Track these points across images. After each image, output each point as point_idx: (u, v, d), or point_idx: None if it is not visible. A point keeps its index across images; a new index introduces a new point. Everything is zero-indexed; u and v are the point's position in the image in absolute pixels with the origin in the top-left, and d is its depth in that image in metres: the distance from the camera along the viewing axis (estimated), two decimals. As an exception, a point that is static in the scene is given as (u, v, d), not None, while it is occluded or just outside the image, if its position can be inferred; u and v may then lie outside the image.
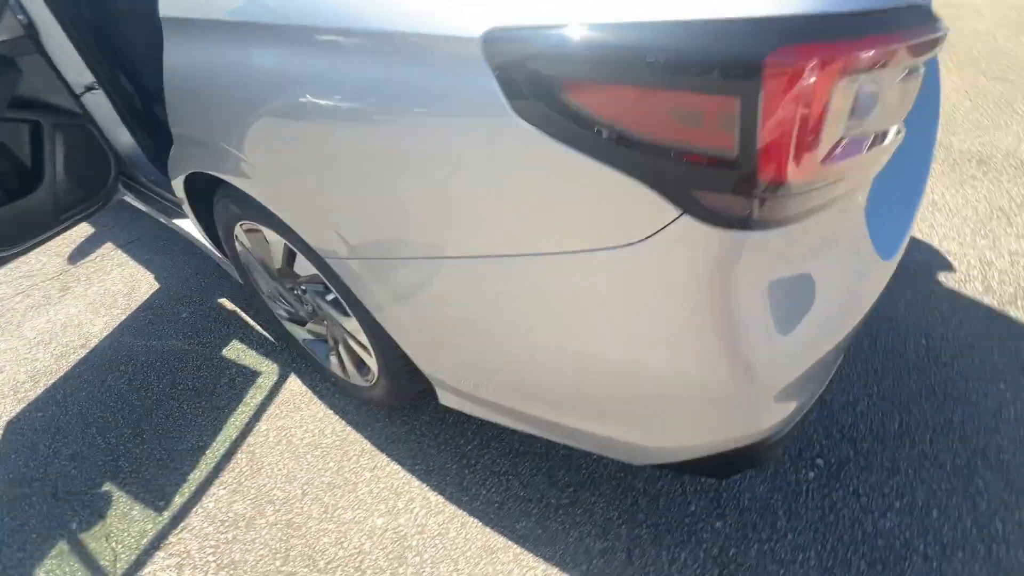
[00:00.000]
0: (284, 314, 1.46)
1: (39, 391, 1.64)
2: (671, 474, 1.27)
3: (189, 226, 1.69)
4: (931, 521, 1.16)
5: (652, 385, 0.72)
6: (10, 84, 1.35)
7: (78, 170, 1.59)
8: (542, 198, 0.64)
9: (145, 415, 1.54)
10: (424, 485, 1.30)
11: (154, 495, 1.35)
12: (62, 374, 1.69)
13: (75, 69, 1.68)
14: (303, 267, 1.13)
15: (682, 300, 0.60)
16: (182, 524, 1.28)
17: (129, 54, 1.75)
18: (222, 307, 1.86)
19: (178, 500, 1.33)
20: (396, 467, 1.35)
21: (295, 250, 1.09)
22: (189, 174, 1.15)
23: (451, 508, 1.26)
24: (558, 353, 0.79)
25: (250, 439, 1.45)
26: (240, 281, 1.59)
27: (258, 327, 1.77)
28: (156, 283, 2.00)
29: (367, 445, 1.40)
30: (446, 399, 1.12)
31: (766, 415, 0.73)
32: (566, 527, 1.20)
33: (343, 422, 1.46)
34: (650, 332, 0.66)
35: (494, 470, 1.32)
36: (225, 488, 1.34)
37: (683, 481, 1.26)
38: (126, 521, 1.30)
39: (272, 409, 1.52)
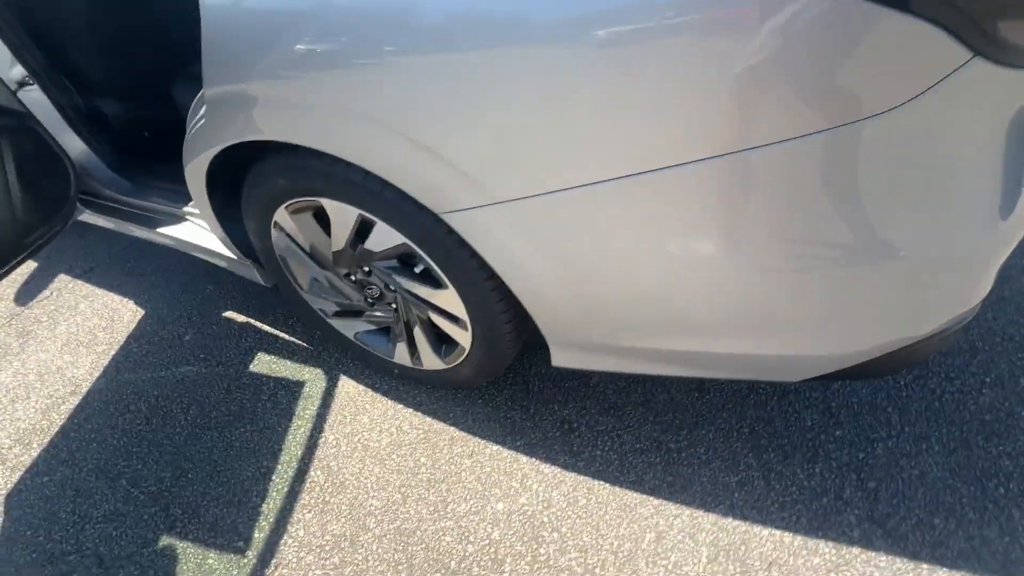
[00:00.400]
0: (333, 308, 1.29)
1: (34, 453, 1.37)
2: (777, 395, 1.26)
3: (186, 230, 1.45)
4: (1022, 388, 1.23)
5: (869, 276, 0.67)
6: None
7: (34, 182, 1.31)
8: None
9: (182, 452, 1.32)
10: (533, 459, 1.21)
11: (228, 536, 1.16)
12: (58, 429, 1.42)
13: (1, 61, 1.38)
14: (380, 241, 0.98)
15: (954, 162, 0.54)
16: (274, 560, 1.12)
17: (64, 40, 1.45)
18: (231, 321, 1.64)
19: (259, 536, 1.16)
20: (496, 447, 1.24)
21: (375, 220, 0.94)
22: (219, 152, 0.96)
23: (571, 476, 1.18)
24: (739, 267, 0.72)
25: (319, 453, 1.28)
26: (263, 283, 1.39)
27: (283, 334, 1.57)
28: (139, 309, 1.73)
29: (455, 432, 1.28)
30: (564, 359, 1.02)
31: (977, 292, 0.70)
32: (695, 468, 1.16)
33: (419, 414, 1.33)
34: (903, 206, 0.60)
35: (599, 429, 1.25)
36: (311, 511, 1.18)
37: (790, 400, 1.25)
38: (204, 573, 1.12)
39: (332, 417, 1.35)
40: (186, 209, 1.46)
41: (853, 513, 1.06)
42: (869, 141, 0.55)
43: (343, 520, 1.16)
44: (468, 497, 1.17)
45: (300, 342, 1.55)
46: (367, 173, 0.87)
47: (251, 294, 1.71)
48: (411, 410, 1.34)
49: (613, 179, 0.68)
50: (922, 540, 1.02)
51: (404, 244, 0.95)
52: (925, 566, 0.99)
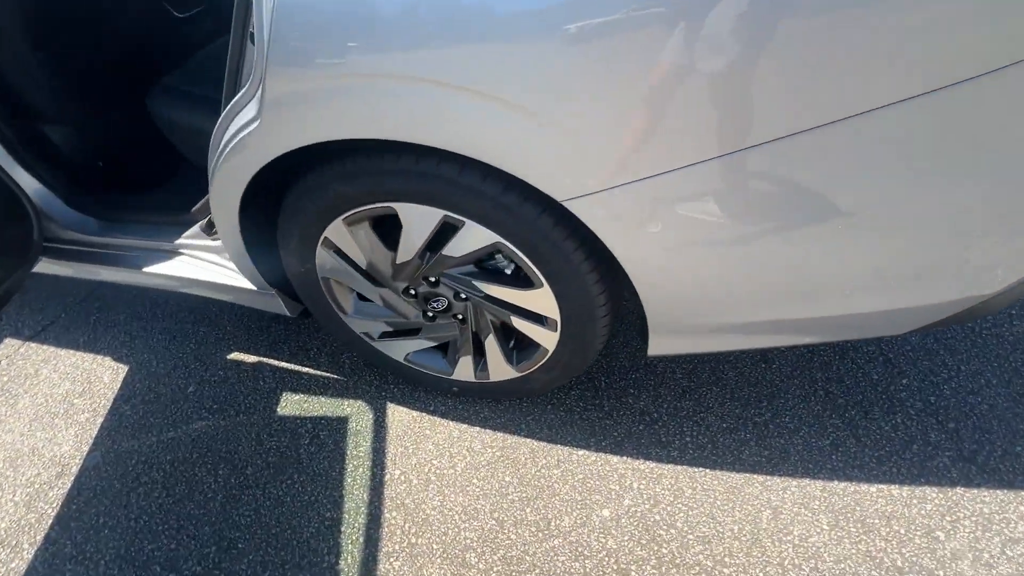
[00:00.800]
0: (382, 329, 1.17)
1: (28, 556, 1.13)
2: (838, 355, 1.28)
3: (180, 265, 1.26)
4: (1045, 315, 1.33)
5: (964, 235, 0.68)
6: None
7: None
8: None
9: (223, 520, 1.14)
10: (624, 457, 1.15)
11: (308, 606, 1.01)
12: (52, 520, 1.18)
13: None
14: (464, 244, 0.88)
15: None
16: (372, 621, 0.98)
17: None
18: (240, 363, 1.45)
19: (345, 597, 1.02)
20: (582, 452, 1.17)
21: (462, 221, 0.84)
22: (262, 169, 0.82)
23: (668, 468, 1.13)
24: (865, 229, 0.71)
25: (388, 492, 1.15)
26: (288, 313, 1.23)
27: (307, 368, 1.41)
28: (121, 366, 1.49)
29: (533, 443, 1.20)
30: (663, 346, 0.97)
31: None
32: (786, 438, 1.15)
33: (488, 431, 1.23)
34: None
35: (681, 415, 1.21)
36: (398, 558, 1.05)
37: (851, 358, 1.28)
38: (289, 653, 0.96)
39: (391, 450, 1.22)
40: (179, 242, 1.28)
41: (945, 455, 1.10)
42: (967, 106, 0.56)
43: (439, 561, 1.04)
44: (569, 509, 1.09)
45: (329, 374, 1.39)
46: (463, 167, 0.78)
47: (255, 330, 1.53)
48: (478, 428, 1.24)
49: (750, 147, 0.64)
50: (1013, 469, 1.06)
51: (495, 244, 0.87)
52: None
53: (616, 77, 0.63)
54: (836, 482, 1.08)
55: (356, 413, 1.30)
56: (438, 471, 1.17)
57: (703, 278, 0.80)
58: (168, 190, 1.49)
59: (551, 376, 1.11)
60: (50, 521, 1.18)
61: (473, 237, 0.87)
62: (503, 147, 0.70)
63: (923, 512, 1.02)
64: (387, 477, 1.17)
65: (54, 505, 1.20)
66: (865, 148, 0.64)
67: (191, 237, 1.26)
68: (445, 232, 0.89)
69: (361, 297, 1.17)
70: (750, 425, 1.18)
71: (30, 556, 1.13)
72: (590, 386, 1.29)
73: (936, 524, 1.01)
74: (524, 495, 1.12)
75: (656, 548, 1.02)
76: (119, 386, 1.44)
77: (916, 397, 1.19)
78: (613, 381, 1.30)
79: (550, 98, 0.65)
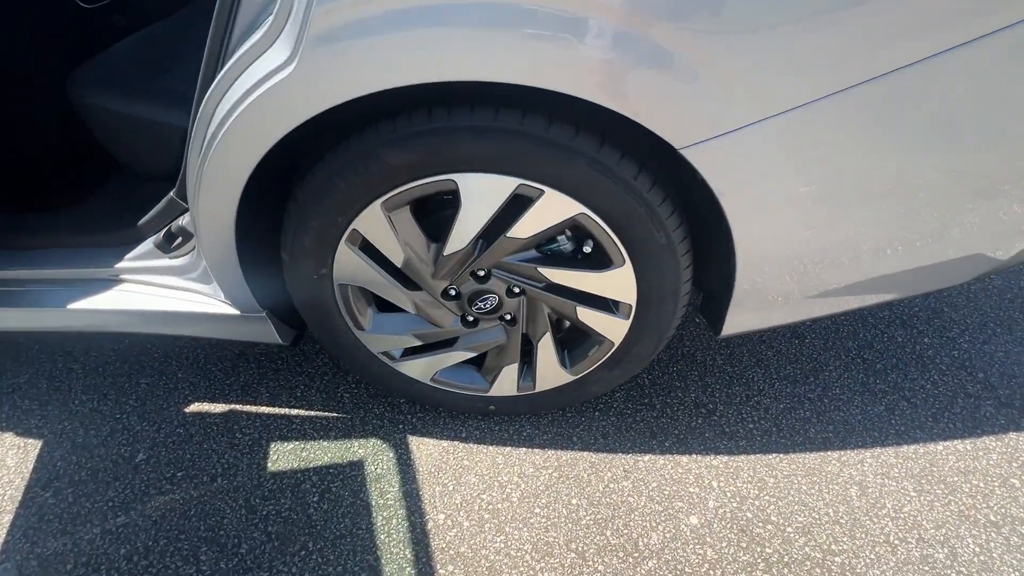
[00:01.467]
0: (409, 343, 0.97)
1: None
2: (860, 322, 1.29)
3: (125, 297, 0.99)
4: None
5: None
6: None
7: None
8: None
9: (219, 622, 0.85)
10: (694, 456, 1.05)
11: None
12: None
13: None
14: (537, 221, 0.75)
15: None
16: None
17: None
18: (206, 416, 1.15)
19: None
20: (648, 457, 1.05)
21: (540, 191, 0.70)
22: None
23: (743, 459, 1.04)
24: (957, 174, 0.69)
25: (435, 543, 0.94)
26: (280, 340, 1.00)
27: (295, 410, 1.15)
28: (29, 441, 1.13)
29: (592, 456, 1.05)
30: (739, 323, 0.89)
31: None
32: (844, 410, 1.11)
33: (536, 450, 1.07)
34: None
35: (736, 402, 1.14)
36: (469, 621, 0.84)
37: (871, 323, 1.29)
38: None
39: (427, 491, 1.01)
40: (121, 266, 1.00)
41: (988, 405, 1.12)
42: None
43: (520, 615, 0.85)
44: (654, 524, 0.95)
45: (328, 413, 1.15)
46: (552, 120, 0.65)
47: (217, 373, 1.24)
48: (525, 449, 1.07)
49: (891, 71, 0.59)
50: (1050, 408, 1.11)
51: (576, 217, 0.74)
52: (1066, 429, 1.07)
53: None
54: (905, 446, 1.05)
55: (372, 454, 1.07)
56: (491, 507, 0.98)
57: (819, 235, 0.73)
58: (87, 209, 1.18)
59: (613, 374, 0.99)
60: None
61: (550, 211, 0.73)
62: (621, 85, 0.59)
63: (991, 462, 1.02)
64: (430, 525, 0.96)
65: (-52, 651, 0.84)
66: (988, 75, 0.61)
67: (138, 259, 0.99)
68: (513, 208, 0.74)
69: (381, 308, 0.97)
70: (806, 402, 1.14)
71: None
72: (634, 386, 1.18)
73: (1008, 472, 1.00)
74: (599, 516, 0.96)
75: (759, 550, 0.91)
76: (31, 469, 1.08)
77: (941, 353, 1.22)
78: (656, 377, 1.20)
79: (680, 28, 0.55)
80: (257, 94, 0.61)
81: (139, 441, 1.12)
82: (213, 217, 0.76)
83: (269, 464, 1.07)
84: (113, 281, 1.03)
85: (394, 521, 0.97)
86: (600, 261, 0.81)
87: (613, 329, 0.90)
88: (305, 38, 0.56)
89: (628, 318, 0.88)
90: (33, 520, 1.00)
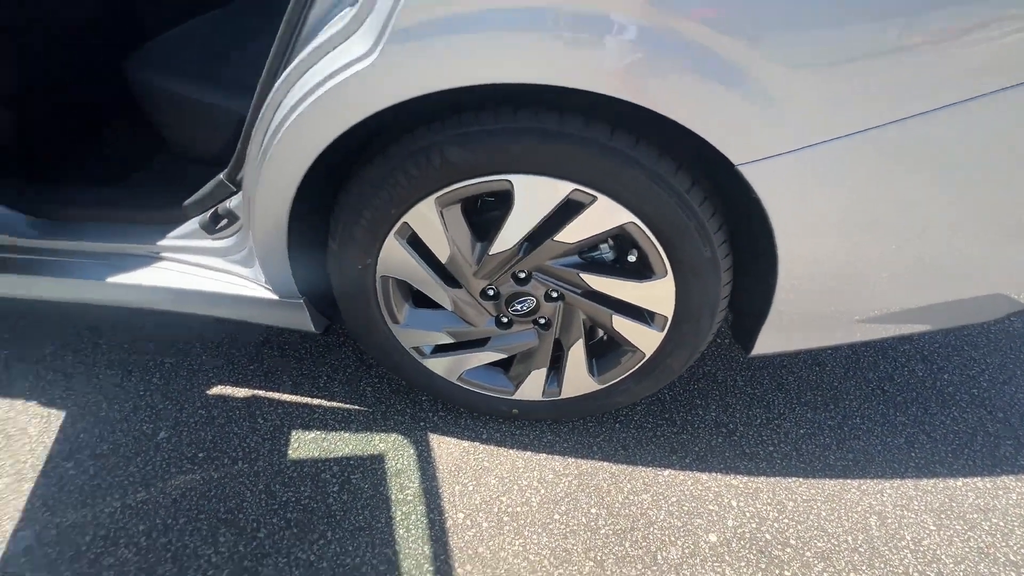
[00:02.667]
0: (440, 340, 0.98)
1: None
2: (880, 354, 1.30)
3: (161, 274, 1.01)
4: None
5: None
6: None
7: None
8: None
9: (235, 605, 0.85)
10: (714, 474, 1.05)
11: None
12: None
13: None
14: (586, 226, 0.76)
15: None
16: None
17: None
18: (228, 399, 1.16)
19: None
20: (668, 472, 1.05)
21: (593, 197, 0.72)
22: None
23: (762, 481, 1.04)
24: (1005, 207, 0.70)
25: (455, 542, 0.94)
26: (314, 328, 1.01)
27: (316, 399, 1.16)
28: (53, 412, 1.13)
29: (613, 467, 1.05)
30: (773, 343, 0.90)
31: None
32: (864, 440, 1.12)
33: (557, 457, 1.07)
34: None
35: (757, 424, 1.14)
36: (486, 622, 0.84)
37: (891, 356, 1.30)
38: None
39: (446, 489, 1.01)
40: (163, 243, 1.02)
41: (1007, 444, 1.12)
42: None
43: (537, 619, 0.85)
44: (673, 538, 0.95)
45: (349, 405, 1.16)
46: (615, 127, 0.67)
47: (240, 358, 1.25)
48: (545, 455, 1.07)
49: (961, 101, 0.61)
50: (1069, 452, 1.11)
51: (624, 226, 0.75)
52: (1084, 474, 1.08)
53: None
54: (925, 479, 1.05)
55: (393, 449, 1.08)
56: (510, 509, 0.99)
57: (863, 260, 0.75)
58: (131, 185, 1.20)
59: (641, 386, 0.99)
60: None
61: (600, 217, 0.75)
62: (689, 98, 0.61)
63: (1011, 502, 1.02)
64: (449, 523, 0.96)
65: (-36, 613, 0.84)
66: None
67: (182, 237, 1.01)
68: (564, 212, 0.76)
69: (417, 303, 0.98)
70: (826, 429, 1.14)
71: None
72: (655, 401, 1.19)
73: (1027, 513, 1.01)
74: (618, 527, 0.96)
75: (778, 572, 0.91)
76: (53, 439, 1.09)
77: (962, 390, 1.23)
78: (677, 393, 1.20)
79: (755, 48, 0.58)
80: (334, 83, 0.63)
81: (161, 419, 1.13)
82: (270, 202, 0.78)
83: (290, 451, 1.07)
84: (153, 258, 1.04)
85: (413, 517, 0.97)
86: (642, 271, 0.83)
87: (646, 340, 0.91)
88: (389, 32, 0.58)
89: (663, 330, 0.89)
90: (53, 490, 1.00)
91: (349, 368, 1.24)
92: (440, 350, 1.02)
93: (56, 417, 1.13)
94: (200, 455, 1.06)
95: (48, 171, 1.17)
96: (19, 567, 0.89)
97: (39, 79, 1.15)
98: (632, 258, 0.82)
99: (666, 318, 0.87)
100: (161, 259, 1.04)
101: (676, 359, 0.93)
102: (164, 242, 1.02)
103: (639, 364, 0.96)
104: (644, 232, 0.76)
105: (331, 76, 0.64)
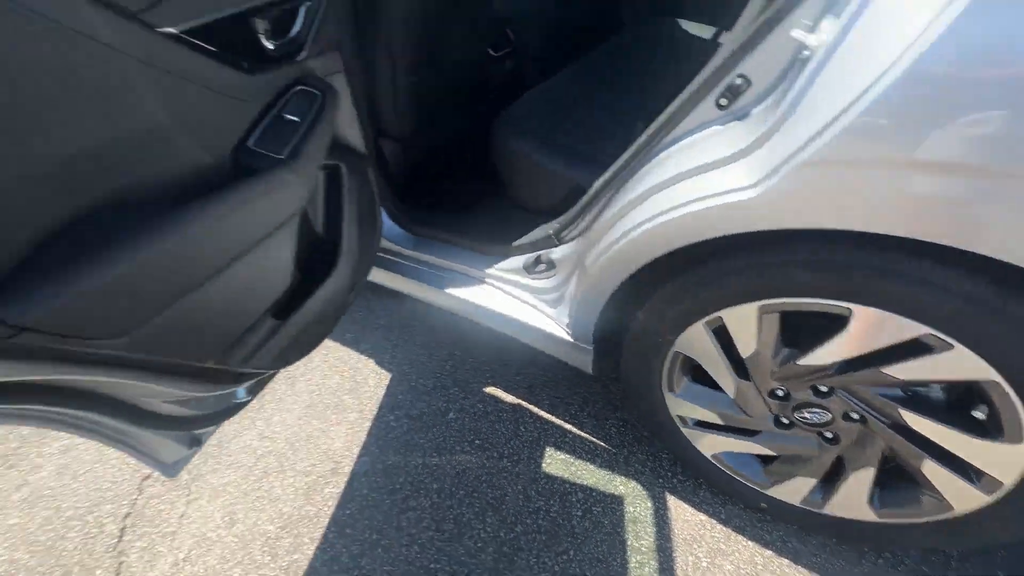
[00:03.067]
0: (706, 417, 1.04)
1: (310, 550, 1.14)
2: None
3: (485, 295, 1.25)
4: None
5: None
6: (331, 118, 0.91)
7: (363, 223, 1.14)
8: None
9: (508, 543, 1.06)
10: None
11: None
12: (328, 520, 1.19)
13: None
14: (928, 369, 0.72)
15: None
16: None
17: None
18: (498, 400, 1.41)
19: None
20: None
21: (949, 345, 0.68)
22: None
23: None
24: None
25: (681, 609, 0.99)
26: (591, 372, 1.15)
27: (568, 424, 1.32)
28: (383, 372, 1.53)
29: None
30: None
31: None
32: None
33: (802, 569, 1.03)
34: None
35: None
36: None
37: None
38: None
39: (681, 558, 1.06)
40: (490, 271, 1.27)
41: None
42: None
43: None
44: None
45: (596, 440, 1.29)
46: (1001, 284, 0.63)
47: (510, 365, 1.49)
48: (788, 562, 1.04)
49: None
50: None
51: (982, 382, 0.69)
52: None
53: None
54: None
55: (632, 496, 1.17)
56: (745, 603, 0.99)
57: None
58: (474, 217, 1.53)
59: (929, 538, 0.89)
60: (327, 520, 1.19)
61: (951, 366, 0.70)
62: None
63: None
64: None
65: (329, 504, 1.22)
66: None
67: (505, 271, 1.25)
68: (906, 348, 0.73)
69: (695, 379, 1.05)
70: None
71: (310, 553, 1.14)
72: (934, 549, 1.03)
73: None
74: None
75: None
76: (383, 393, 1.47)
77: None
78: (962, 552, 1.03)
79: None
80: (703, 206, 0.72)
81: (451, 401, 1.42)
82: (606, 279, 0.93)
83: (543, 464, 1.25)
84: (479, 280, 1.32)
85: (646, 570, 1.05)
86: (986, 429, 0.74)
87: (963, 497, 0.81)
88: (784, 169, 0.64)
89: (991, 495, 0.78)
90: (382, 433, 1.36)
91: (598, 403, 1.38)
92: (703, 425, 1.07)
93: (386, 377, 1.52)
94: (477, 441, 1.32)
95: (420, 197, 1.56)
96: (360, 484, 1.25)
97: (425, 123, 1.53)
98: (980, 415, 0.74)
99: (1001, 484, 0.76)
100: (485, 283, 1.31)
101: (1006, 531, 0.81)
102: (490, 271, 1.28)
103: (942, 517, 0.85)
104: (1008, 394, 0.68)
105: (702, 199, 0.73)
